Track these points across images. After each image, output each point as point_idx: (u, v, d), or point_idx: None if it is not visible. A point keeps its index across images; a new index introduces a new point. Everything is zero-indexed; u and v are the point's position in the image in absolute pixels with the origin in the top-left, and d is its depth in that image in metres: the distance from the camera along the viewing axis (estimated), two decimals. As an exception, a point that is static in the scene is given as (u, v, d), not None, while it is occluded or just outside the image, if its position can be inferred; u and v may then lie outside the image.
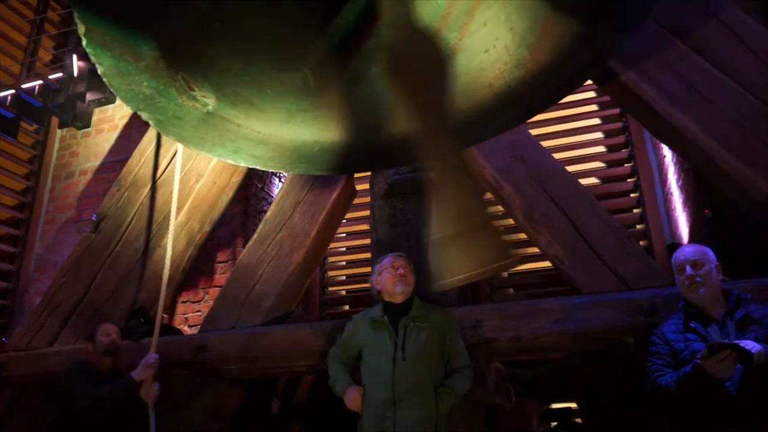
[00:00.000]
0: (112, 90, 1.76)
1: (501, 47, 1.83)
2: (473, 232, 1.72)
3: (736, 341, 2.02)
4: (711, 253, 2.36)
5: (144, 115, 1.84)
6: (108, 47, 1.63)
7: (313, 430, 4.47)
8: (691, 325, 2.28)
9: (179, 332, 4.13)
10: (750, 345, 1.99)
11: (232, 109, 1.91)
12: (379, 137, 2.07)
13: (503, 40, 1.82)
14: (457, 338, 2.77)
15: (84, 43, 1.60)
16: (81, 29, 1.57)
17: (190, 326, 4.76)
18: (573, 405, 4.92)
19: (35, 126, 5.90)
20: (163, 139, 4.26)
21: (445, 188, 1.76)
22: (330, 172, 2.45)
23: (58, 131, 6.07)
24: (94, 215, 4.32)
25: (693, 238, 3.87)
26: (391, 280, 2.79)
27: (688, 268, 2.33)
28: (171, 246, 3.28)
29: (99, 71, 1.68)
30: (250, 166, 2.21)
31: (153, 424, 3.04)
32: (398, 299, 2.79)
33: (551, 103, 2.12)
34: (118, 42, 1.63)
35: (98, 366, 3.24)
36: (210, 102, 1.86)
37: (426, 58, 1.81)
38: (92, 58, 1.65)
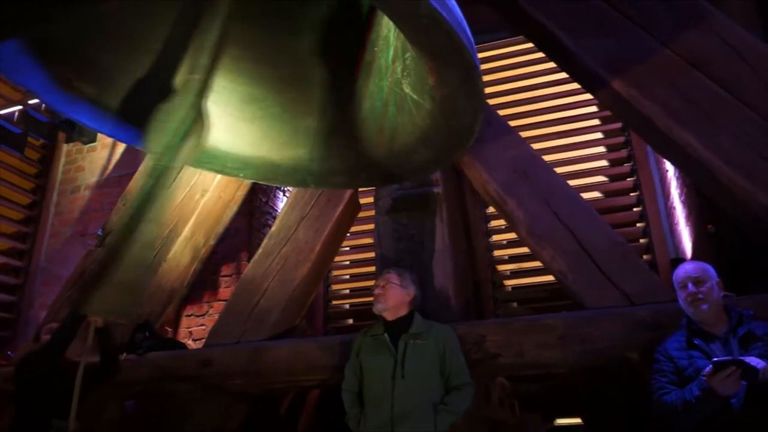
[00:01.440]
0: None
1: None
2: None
3: (741, 357, 2.03)
4: (712, 270, 2.37)
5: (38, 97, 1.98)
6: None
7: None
8: (695, 342, 2.28)
9: (183, 346, 4.14)
10: (755, 361, 2.00)
11: (112, 98, 2.01)
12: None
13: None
14: (457, 355, 2.74)
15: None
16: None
17: (194, 340, 4.77)
18: (577, 420, 4.90)
19: (41, 141, 5.95)
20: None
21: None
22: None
23: (65, 146, 6.12)
24: (100, 229, 4.35)
25: (696, 252, 3.88)
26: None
27: (690, 285, 2.33)
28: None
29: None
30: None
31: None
32: (387, 316, 2.80)
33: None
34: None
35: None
36: (91, 92, 1.97)
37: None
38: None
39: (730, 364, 2.00)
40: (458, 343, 2.80)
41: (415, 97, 1.86)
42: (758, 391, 2.04)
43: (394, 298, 2.82)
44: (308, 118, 2.15)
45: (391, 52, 1.89)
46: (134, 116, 2.02)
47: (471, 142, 1.92)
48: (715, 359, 2.06)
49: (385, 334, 2.77)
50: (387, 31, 1.90)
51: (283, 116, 2.17)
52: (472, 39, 1.53)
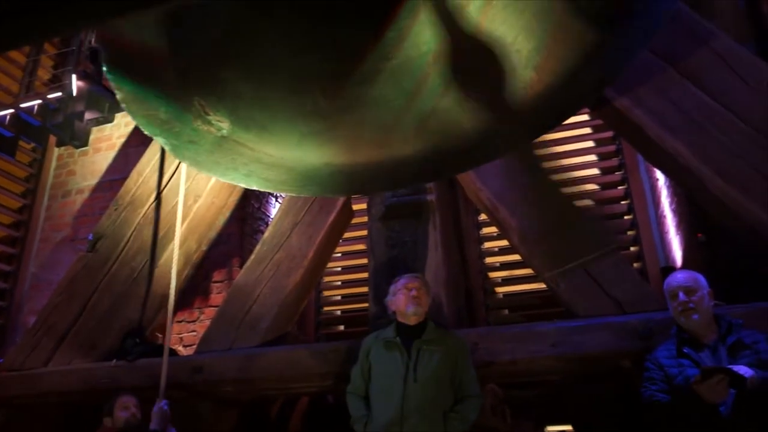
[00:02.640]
0: (131, 116, 1.79)
1: (509, 69, 1.86)
2: None
3: (729, 366, 2.05)
4: (703, 280, 2.40)
5: (160, 141, 1.86)
6: (127, 74, 1.66)
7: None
8: (684, 350, 2.31)
9: (174, 353, 4.12)
10: (743, 370, 2.02)
11: (245, 132, 1.93)
12: (388, 158, 2.09)
13: (511, 62, 1.85)
14: (468, 366, 2.77)
15: (105, 69, 1.64)
16: (104, 56, 1.61)
17: (185, 346, 4.75)
18: (569, 428, 4.91)
19: (33, 145, 5.91)
20: (162, 158, 4.29)
21: None
22: (341, 194, 2.46)
23: (56, 150, 6.08)
24: (91, 234, 4.32)
25: (686, 261, 3.91)
26: (404, 301, 2.81)
27: (681, 294, 2.36)
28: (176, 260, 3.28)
29: (118, 97, 1.71)
30: (263, 190, 2.24)
31: None
32: (412, 321, 2.81)
33: (557, 123, 2.16)
34: (137, 69, 1.67)
35: None
36: (224, 126, 1.88)
37: (436, 79, 1.85)
38: (112, 85, 1.68)
39: (718, 372, 2.02)
40: (470, 355, 2.83)
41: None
42: (746, 399, 2.06)
43: (427, 303, 2.86)
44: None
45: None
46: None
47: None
48: (703, 367, 2.09)
49: (398, 338, 2.79)
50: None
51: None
52: None
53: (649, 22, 1.73)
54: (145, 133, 1.88)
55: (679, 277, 2.44)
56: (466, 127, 1.98)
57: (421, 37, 1.85)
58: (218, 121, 1.86)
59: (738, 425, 2.09)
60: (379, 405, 2.68)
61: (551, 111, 1.96)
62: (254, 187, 2.18)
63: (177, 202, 3.68)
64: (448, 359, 2.72)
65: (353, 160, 2.05)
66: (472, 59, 1.92)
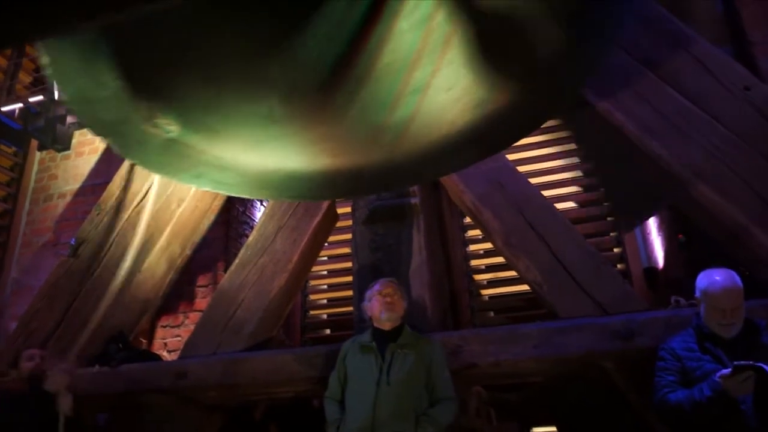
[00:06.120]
0: (78, 116, 1.80)
1: (462, 87, 1.88)
2: None
3: (760, 363, 2.08)
4: (742, 286, 2.33)
5: (108, 141, 1.88)
6: (72, 76, 1.65)
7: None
8: (706, 345, 2.32)
9: (158, 358, 4.09)
10: None
11: (195, 135, 1.94)
12: (347, 165, 2.10)
13: (465, 80, 1.87)
14: (443, 369, 2.78)
15: (48, 72, 1.63)
16: (44, 59, 1.59)
17: (169, 351, 4.71)
18: (553, 429, 4.94)
19: (14, 149, 5.84)
20: (145, 163, 4.26)
21: None
22: (296, 199, 2.47)
23: (38, 153, 6.01)
24: (73, 239, 4.28)
25: (668, 262, 3.96)
26: (378, 307, 2.83)
27: (727, 311, 2.30)
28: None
29: (64, 98, 1.70)
30: (216, 191, 2.24)
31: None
32: (386, 326, 2.82)
33: (511, 142, 2.19)
34: (82, 72, 1.66)
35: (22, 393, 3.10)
36: (173, 129, 1.89)
37: (392, 91, 1.86)
38: (57, 86, 1.68)
39: (749, 369, 2.06)
40: (445, 358, 2.84)
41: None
42: (763, 396, 2.10)
43: (401, 308, 2.87)
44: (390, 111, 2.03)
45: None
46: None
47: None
48: (737, 363, 2.10)
49: (374, 342, 2.80)
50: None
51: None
52: None
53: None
54: (92, 133, 1.89)
55: (729, 292, 2.31)
56: (422, 141, 2.00)
57: (391, 47, 1.86)
58: (166, 124, 1.87)
59: (758, 421, 2.13)
60: (352, 408, 2.70)
61: (505, 130, 1.98)
62: (207, 189, 2.19)
63: (159, 207, 3.65)
64: (422, 362, 2.73)
65: (311, 166, 2.06)
66: (433, 76, 1.94)
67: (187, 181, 2.06)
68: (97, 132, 1.86)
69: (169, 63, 1.79)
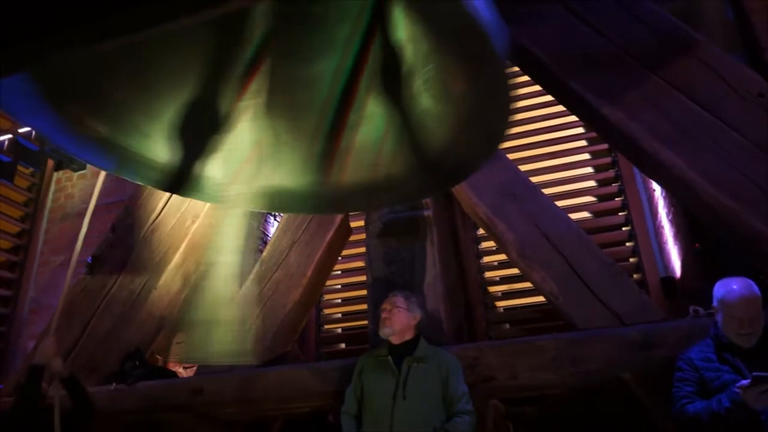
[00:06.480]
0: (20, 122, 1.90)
1: (382, 138, 2.06)
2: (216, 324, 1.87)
3: None
4: (760, 297, 2.30)
5: (51, 140, 1.98)
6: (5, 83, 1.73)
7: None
8: (725, 356, 2.29)
9: (174, 375, 4.10)
10: None
11: (126, 138, 2.04)
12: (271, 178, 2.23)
13: (385, 132, 2.04)
14: (459, 383, 2.75)
15: None
16: None
17: (185, 368, 4.72)
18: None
19: (31, 169, 5.94)
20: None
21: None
22: (218, 202, 2.55)
23: (54, 174, 6.11)
24: (90, 257, 4.32)
25: (685, 271, 3.91)
26: (379, 323, 2.83)
27: (744, 320, 2.28)
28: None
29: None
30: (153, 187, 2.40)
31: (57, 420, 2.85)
32: (394, 340, 2.81)
33: (421, 197, 2.39)
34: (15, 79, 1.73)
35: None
36: (103, 131, 1.99)
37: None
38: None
39: None
40: (461, 372, 2.81)
41: (437, 109, 1.86)
42: None
43: (400, 322, 2.84)
44: (319, 142, 2.14)
45: (407, 67, 1.89)
46: (157, 153, 2.05)
47: (495, 151, 1.94)
48: (756, 374, 2.06)
49: (389, 356, 2.79)
50: (399, 47, 1.90)
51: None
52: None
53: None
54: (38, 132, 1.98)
55: (748, 302, 2.29)
56: (348, 177, 2.17)
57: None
58: (96, 127, 1.97)
59: None
60: (369, 423, 2.69)
61: (416, 184, 2.15)
62: (140, 183, 2.27)
63: (174, 224, 3.69)
64: (438, 376, 2.71)
65: (239, 177, 2.17)
66: (359, 119, 2.11)
67: (124, 176, 2.19)
68: (44, 130, 1.99)
69: (101, 71, 1.89)
